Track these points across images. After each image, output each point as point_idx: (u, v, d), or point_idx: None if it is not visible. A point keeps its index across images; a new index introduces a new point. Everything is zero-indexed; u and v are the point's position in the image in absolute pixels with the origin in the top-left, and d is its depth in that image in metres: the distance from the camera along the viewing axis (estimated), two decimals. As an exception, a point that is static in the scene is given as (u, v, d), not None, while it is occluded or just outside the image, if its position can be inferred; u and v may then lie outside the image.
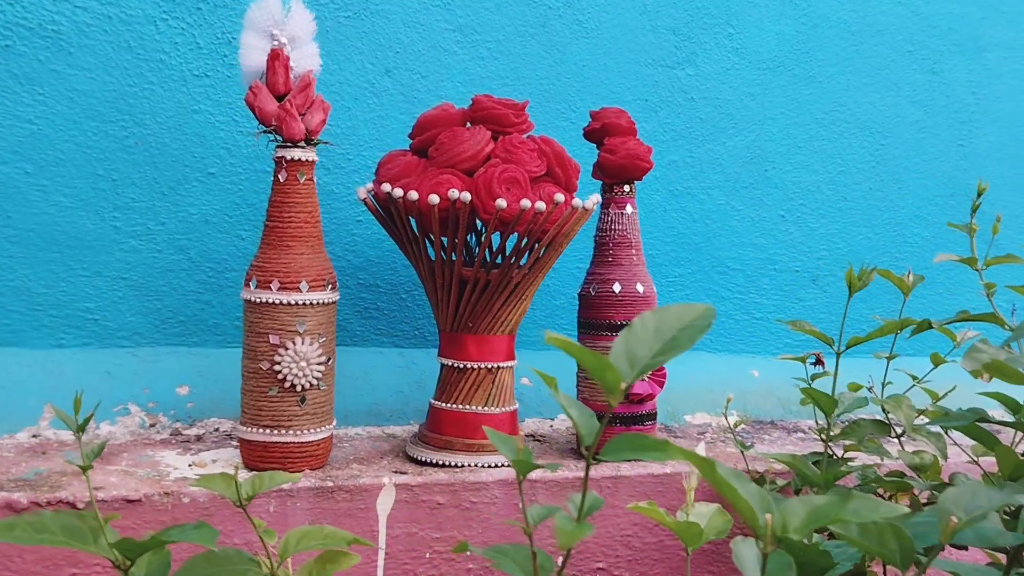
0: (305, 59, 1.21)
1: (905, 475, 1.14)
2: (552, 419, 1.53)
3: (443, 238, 1.21)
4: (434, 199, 1.16)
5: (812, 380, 1.32)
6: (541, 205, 1.17)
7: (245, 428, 1.16)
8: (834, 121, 1.82)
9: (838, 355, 1.00)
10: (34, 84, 1.32)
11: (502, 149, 1.22)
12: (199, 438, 1.29)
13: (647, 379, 1.32)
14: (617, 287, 1.32)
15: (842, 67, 1.82)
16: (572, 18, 1.62)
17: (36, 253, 1.33)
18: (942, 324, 0.95)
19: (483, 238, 1.22)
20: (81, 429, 0.67)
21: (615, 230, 1.35)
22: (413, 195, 1.17)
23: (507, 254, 1.23)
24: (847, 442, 1.19)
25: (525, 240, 1.21)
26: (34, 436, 1.24)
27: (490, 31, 1.56)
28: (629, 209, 1.35)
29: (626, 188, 1.35)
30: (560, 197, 1.18)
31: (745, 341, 1.77)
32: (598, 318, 1.33)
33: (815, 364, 1.34)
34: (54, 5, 1.32)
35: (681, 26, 1.69)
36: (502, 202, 1.15)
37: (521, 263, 1.23)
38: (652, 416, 1.35)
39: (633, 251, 1.35)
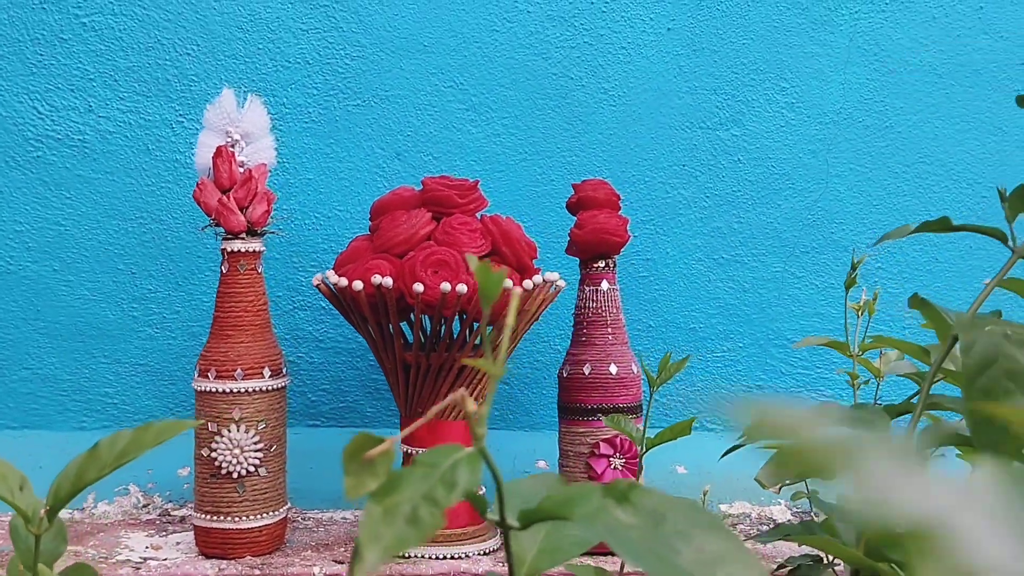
0: (259, 153, 1.25)
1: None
2: (561, 506, 1.45)
3: (380, 323, 1.20)
4: (358, 285, 1.15)
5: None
6: (463, 287, 1.13)
7: (195, 513, 1.20)
8: (919, 174, 1.63)
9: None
10: (62, 189, 1.45)
11: (441, 231, 1.20)
12: (182, 519, 1.34)
13: (620, 468, 1.23)
14: (587, 368, 1.25)
15: (926, 114, 1.64)
16: (596, 87, 1.57)
17: (62, 343, 1.45)
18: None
19: (433, 322, 1.20)
20: None
21: (589, 308, 1.28)
22: (343, 281, 1.17)
23: (442, 337, 1.20)
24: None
25: (458, 323, 1.17)
26: (35, 514, 1.34)
27: (506, 107, 1.55)
28: (605, 285, 1.28)
29: (600, 264, 1.28)
30: (488, 278, 1.14)
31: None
32: (570, 401, 1.26)
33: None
34: (80, 117, 1.46)
35: (723, 85, 1.59)
36: (419, 286, 1.13)
37: (463, 346, 1.19)
38: (633, 507, 1.25)
39: (608, 330, 1.27)
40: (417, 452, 1.23)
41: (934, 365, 0.54)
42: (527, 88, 1.55)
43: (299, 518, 1.36)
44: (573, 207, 1.31)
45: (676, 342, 1.58)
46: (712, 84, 1.59)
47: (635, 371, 1.27)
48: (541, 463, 1.49)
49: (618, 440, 1.23)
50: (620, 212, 1.30)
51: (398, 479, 0.33)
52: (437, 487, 0.32)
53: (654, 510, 0.34)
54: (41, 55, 1.46)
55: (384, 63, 1.52)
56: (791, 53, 1.61)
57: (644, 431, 0.75)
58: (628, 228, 1.29)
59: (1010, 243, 0.57)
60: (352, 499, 0.33)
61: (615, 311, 1.28)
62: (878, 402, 0.85)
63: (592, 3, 1.57)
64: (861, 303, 0.88)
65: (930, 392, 0.56)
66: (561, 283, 1.27)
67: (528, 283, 1.18)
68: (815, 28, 1.61)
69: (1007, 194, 0.56)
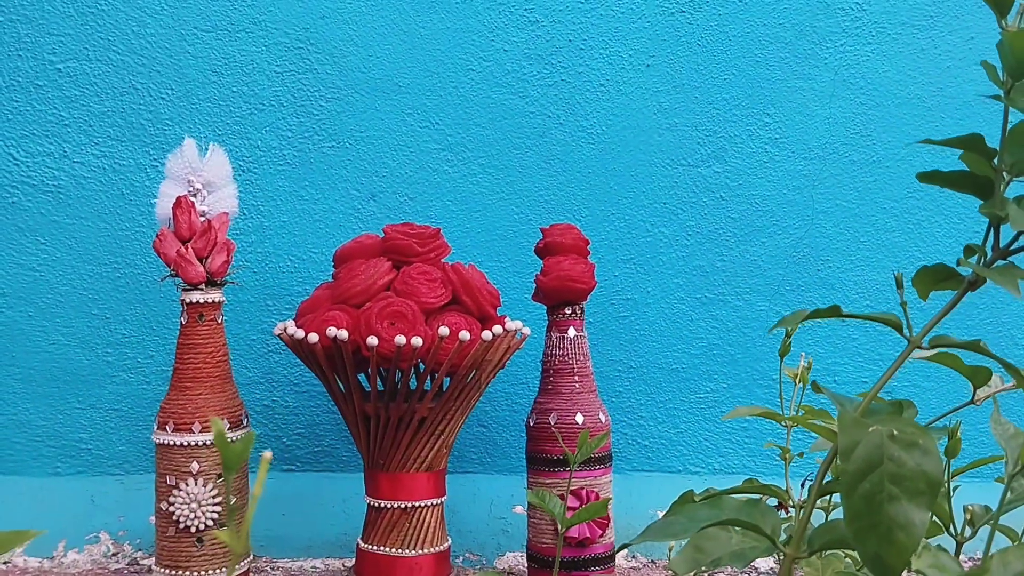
0: (222, 202, 1.24)
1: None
2: (535, 553, 1.43)
3: (338, 374, 1.18)
4: (313, 338, 1.14)
5: (774, 526, 1.14)
6: (418, 340, 1.11)
7: (155, 568, 1.19)
8: (908, 209, 1.60)
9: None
10: (36, 235, 1.46)
11: (400, 281, 1.18)
12: (150, 570, 1.33)
13: (587, 521, 1.20)
14: (553, 418, 1.23)
15: (915, 148, 1.60)
16: (574, 125, 1.55)
17: (37, 388, 1.45)
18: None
19: (389, 373, 1.18)
20: None
21: (555, 356, 1.25)
22: (300, 333, 1.16)
23: (401, 388, 1.18)
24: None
25: (415, 375, 1.16)
26: (5, 563, 1.34)
27: (482, 147, 1.53)
28: (572, 332, 1.25)
29: (567, 311, 1.26)
30: (444, 331, 1.13)
31: (801, 465, 1.57)
32: (536, 452, 1.24)
33: (777, 508, 1.17)
34: (55, 162, 1.46)
35: (705, 121, 1.57)
36: (373, 340, 1.11)
37: (422, 398, 1.17)
38: (600, 561, 1.22)
39: (575, 378, 1.25)
40: (380, 504, 1.21)
41: (823, 466, 0.51)
42: (504, 127, 1.54)
43: (268, 567, 1.35)
44: (541, 252, 1.29)
45: (658, 383, 1.55)
46: (693, 120, 1.57)
47: (603, 420, 1.24)
48: (518, 508, 1.46)
49: (584, 492, 1.21)
50: (588, 257, 1.28)
51: None
52: None
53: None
54: (16, 101, 1.46)
55: (359, 104, 1.51)
56: (774, 88, 1.58)
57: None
58: (595, 274, 1.27)
59: (905, 332, 0.54)
60: None
61: (582, 359, 1.25)
62: (810, 478, 0.83)
63: (570, 40, 1.55)
64: (798, 370, 0.85)
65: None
66: (526, 331, 1.25)
67: (487, 334, 1.16)
68: (799, 62, 1.58)
69: (902, 279, 0.53)
